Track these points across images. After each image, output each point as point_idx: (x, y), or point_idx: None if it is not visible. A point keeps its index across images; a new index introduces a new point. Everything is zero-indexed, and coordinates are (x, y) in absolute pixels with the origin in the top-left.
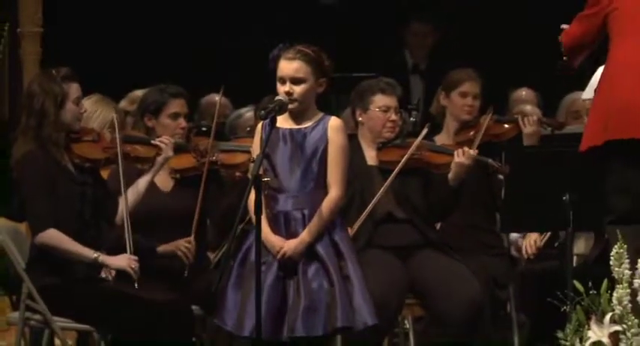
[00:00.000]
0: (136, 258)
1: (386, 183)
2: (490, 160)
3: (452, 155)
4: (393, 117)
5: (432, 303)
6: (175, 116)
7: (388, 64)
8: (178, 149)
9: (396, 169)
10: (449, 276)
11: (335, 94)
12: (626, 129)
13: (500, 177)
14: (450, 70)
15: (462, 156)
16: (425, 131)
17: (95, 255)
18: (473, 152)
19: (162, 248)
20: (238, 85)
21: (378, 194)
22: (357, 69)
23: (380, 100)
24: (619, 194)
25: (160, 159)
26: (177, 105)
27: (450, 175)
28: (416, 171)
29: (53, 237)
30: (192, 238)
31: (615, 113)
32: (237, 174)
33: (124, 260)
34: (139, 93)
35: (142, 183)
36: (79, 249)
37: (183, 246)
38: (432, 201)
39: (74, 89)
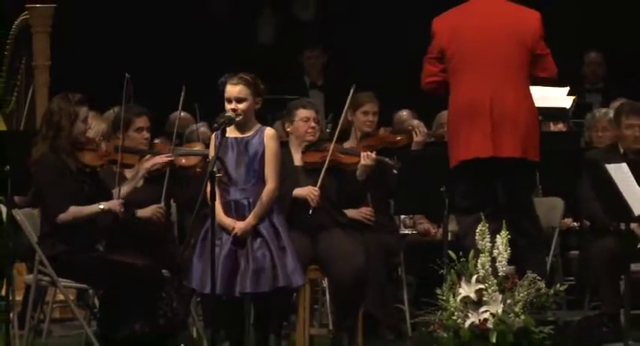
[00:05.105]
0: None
1: (319, 181)
2: (387, 159)
3: (359, 156)
4: (313, 124)
5: (330, 270)
6: (140, 130)
7: (291, 85)
8: (145, 154)
9: (323, 170)
10: (344, 250)
11: (270, 111)
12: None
13: (395, 171)
14: (341, 84)
15: (366, 159)
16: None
17: (101, 206)
18: (374, 155)
19: (140, 212)
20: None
21: (317, 187)
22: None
23: (302, 113)
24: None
25: (144, 168)
26: (141, 122)
27: (358, 173)
28: (331, 169)
29: (72, 211)
30: (162, 204)
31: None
32: (198, 170)
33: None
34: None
35: (125, 189)
36: (89, 209)
37: (157, 211)
38: (346, 192)
39: (83, 111)
